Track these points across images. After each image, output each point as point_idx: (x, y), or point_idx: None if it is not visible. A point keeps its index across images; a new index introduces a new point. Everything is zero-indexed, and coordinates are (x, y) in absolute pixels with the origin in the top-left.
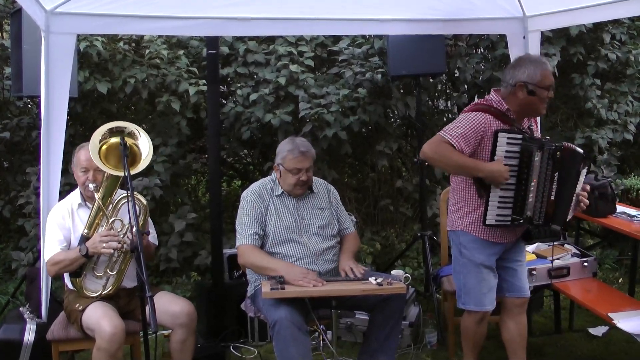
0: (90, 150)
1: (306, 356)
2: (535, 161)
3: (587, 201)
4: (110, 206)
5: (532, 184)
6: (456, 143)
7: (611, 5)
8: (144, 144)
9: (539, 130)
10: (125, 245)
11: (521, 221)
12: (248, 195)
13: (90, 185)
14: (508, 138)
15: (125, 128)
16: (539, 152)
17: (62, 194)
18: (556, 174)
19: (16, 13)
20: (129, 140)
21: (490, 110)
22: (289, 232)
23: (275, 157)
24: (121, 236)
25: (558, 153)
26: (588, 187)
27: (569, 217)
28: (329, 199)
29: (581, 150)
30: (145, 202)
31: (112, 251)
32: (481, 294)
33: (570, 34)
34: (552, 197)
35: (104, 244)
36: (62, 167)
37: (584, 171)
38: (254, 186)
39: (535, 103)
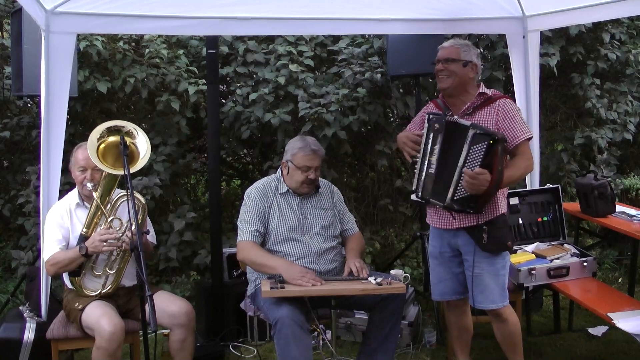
0: (88, 149)
1: (307, 355)
2: (423, 134)
3: (470, 181)
4: (109, 205)
5: (418, 156)
6: (408, 128)
7: (610, 5)
8: (142, 143)
9: (512, 120)
10: (124, 244)
11: (412, 196)
12: (252, 192)
13: (88, 185)
14: (428, 116)
15: (123, 127)
16: (426, 125)
17: (62, 193)
18: (436, 147)
19: (16, 12)
20: (126, 139)
21: (435, 101)
22: (292, 231)
23: (284, 154)
24: (120, 235)
25: (436, 125)
26: (477, 170)
27: (456, 195)
28: (332, 200)
29: (467, 123)
30: (143, 200)
31: (112, 249)
32: (432, 283)
33: (569, 34)
34: (432, 170)
35: (104, 243)
36: (62, 166)
37: (478, 147)
38: (259, 183)
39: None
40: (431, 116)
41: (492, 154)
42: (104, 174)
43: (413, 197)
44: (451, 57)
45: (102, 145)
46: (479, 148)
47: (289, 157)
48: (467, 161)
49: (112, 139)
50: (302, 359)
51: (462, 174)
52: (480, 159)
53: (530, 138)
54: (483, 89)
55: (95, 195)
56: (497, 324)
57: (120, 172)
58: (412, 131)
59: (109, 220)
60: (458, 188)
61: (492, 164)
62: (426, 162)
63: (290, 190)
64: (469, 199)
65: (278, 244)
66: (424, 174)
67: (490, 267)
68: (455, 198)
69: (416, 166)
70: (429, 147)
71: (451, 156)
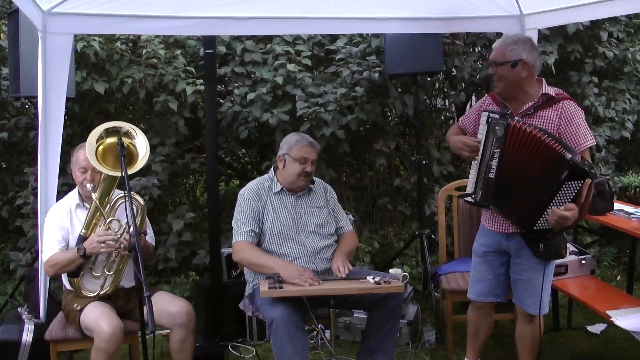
0: (87, 151)
1: (303, 354)
2: (481, 134)
3: (558, 221)
4: (108, 206)
5: (477, 157)
6: (460, 122)
7: (608, 3)
8: (141, 144)
9: (576, 127)
10: (122, 246)
11: (468, 198)
12: (245, 192)
13: (88, 185)
14: (488, 116)
15: (122, 128)
16: (485, 125)
17: (60, 194)
18: (497, 151)
19: (13, 13)
20: (125, 140)
21: (493, 94)
22: (287, 230)
23: (279, 150)
24: (118, 236)
25: (497, 128)
26: (568, 206)
27: (536, 225)
28: (326, 198)
29: (567, 156)
30: (142, 202)
31: (111, 250)
32: (471, 280)
33: (567, 32)
34: (492, 175)
35: (102, 244)
36: (60, 167)
37: (573, 185)
38: (252, 184)
39: None
40: (490, 117)
41: (584, 189)
42: (103, 175)
43: (468, 199)
44: (497, 60)
45: (101, 147)
46: (574, 185)
47: (285, 151)
48: (557, 197)
49: (110, 140)
50: (298, 358)
51: (549, 208)
52: (572, 196)
53: (593, 145)
54: (546, 88)
55: (95, 196)
56: (525, 326)
57: (118, 173)
58: (468, 135)
59: (108, 221)
60: (540, 220)
61: (580, 199)
62: (485, 166)
63: (284, 189)
64: (547, 230)
65: (273, 244)
66: (482, 178)
67: (541, 273)
68: (535, 229)
69: (472, 169)
70: (489, 150)
71: (533, 177)
